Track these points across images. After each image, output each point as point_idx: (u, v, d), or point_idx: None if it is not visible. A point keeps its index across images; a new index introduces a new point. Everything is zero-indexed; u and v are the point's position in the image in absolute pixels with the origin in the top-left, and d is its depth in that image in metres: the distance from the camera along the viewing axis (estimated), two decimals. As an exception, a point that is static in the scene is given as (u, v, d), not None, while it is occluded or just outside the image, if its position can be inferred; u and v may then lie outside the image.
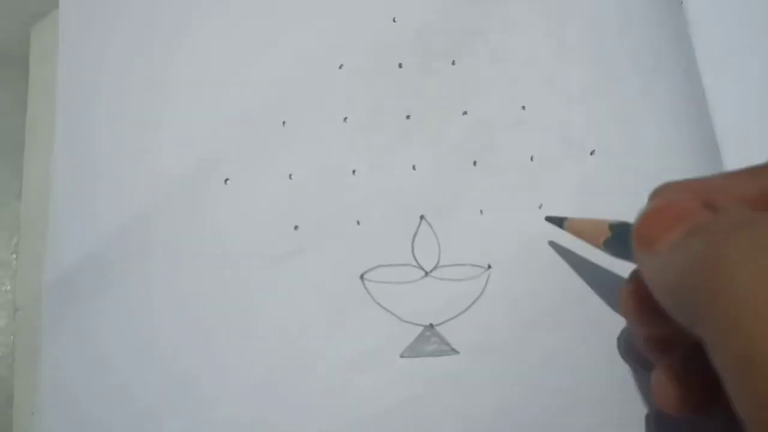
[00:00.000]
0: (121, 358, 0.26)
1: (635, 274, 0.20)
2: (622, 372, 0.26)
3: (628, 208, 0.24)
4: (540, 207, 0.27)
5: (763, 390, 0.14)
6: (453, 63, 0.29)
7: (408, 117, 0.28)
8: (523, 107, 0.28)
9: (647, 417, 0.25)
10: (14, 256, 0.29)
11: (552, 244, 0.27)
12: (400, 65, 0.29)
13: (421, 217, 0.27)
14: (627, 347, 0.25)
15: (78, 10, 0.30)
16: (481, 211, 0.27)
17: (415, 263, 0.27)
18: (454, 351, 0.26)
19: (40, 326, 0.27)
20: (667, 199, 0.19)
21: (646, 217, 0.19)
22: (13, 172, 0.29)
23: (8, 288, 0.28)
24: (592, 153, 0.28)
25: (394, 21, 0.29)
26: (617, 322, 0.26)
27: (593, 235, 0.23)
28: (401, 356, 0.26)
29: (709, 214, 0.18)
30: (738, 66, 0.30)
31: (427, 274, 0.27)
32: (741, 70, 0.30)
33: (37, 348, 0.26)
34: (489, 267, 0.27)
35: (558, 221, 0.26)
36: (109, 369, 0.26)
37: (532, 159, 0.28)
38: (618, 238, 0.22)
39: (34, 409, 0.26)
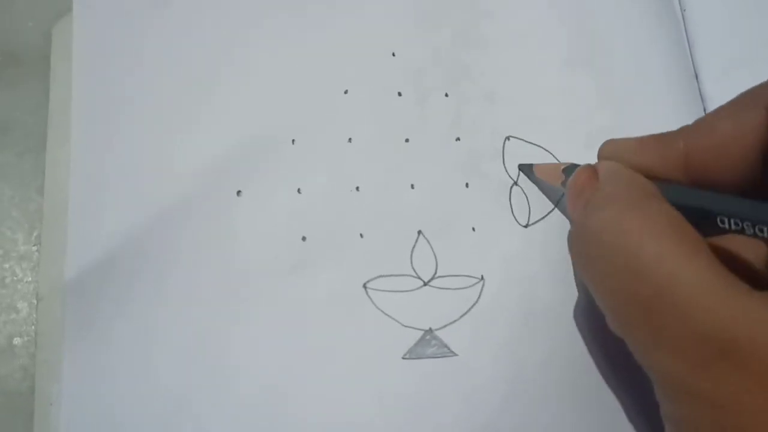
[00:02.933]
0: (140, 350, 0.27)
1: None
2: (615, 371, 0.28)
3: None
4: (526, 226, 0.30)
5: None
6: (446, 95, 0.32)
7: (407, 140, 0.31)
8: (508, 138, 0.31)
9: (641, 416, 0.28)
10: (36, 248, 0.29)
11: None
12: (400, 94, 0.31)
13: (419, 232, 0.30)
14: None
15: (93, 11, 0.31)
16: (473, 228, 0.30)
17: (414, 274, 0.29)
18: (453, 353, 0.28)
19: (61, 317, 0.27)
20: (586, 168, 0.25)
21: (572, 186, 0.25)
22: (37, 167, 0.30)
23: (30, 279, 0.29)
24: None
25: (394, 55, 0.32)
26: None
27: (555, 177, 0.28)
28: (403, 358, 0.28)
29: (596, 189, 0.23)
30: (738, 76, 0.32)
31: (425, 283, 0.29)
32: (741, 80, 0.32)
33: (58, 338, 0.27)
34: (482, 278, 0.29)
35: (528, 168, 0.30)
36: (129, 361, 0.27)
37: (516, 183, 0.31)
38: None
39: (52, 400, 0.26)
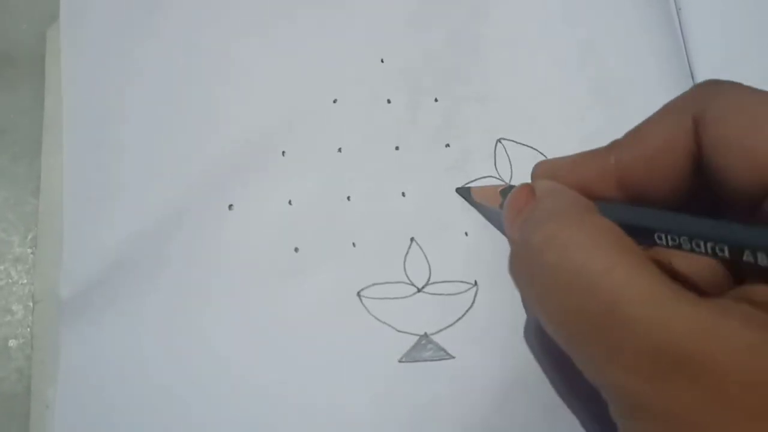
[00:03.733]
0: (134, 354, 0.28)
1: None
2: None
3: None
4: (519, 229, 0.30)
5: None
6: (436, 100, 0.32)
7: (397, 148, 0.31)
8: (500, 139, 0.31)
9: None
10: (31, 251, 0.30)
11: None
12: (389, 101, 0.31)
13: (412, 239, 0.30)
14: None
15: (81, 15, 0.31)
16: (466, 233, 0.30)
17: (407, 280, 0.29)
18: (450, 356, 0.28)
19: (56, 319, 0.28)
20: (523, 186, 0.25)
21: (508, 208, 0.25)
22: (32, 169, 0.31)
23: (25, 282, 0.29)
24: None
25: (382, 62, 0.32)
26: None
27: (493, 199, 0.28)
28: (399, 361, 0.28)
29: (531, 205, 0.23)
30: (736, 76, 0.32)
31: (419, 290, 0.29)
32: (736, 79, 0.32)
33: (54, 341, 0.27)
34: (475, 283, 0.29)
35: (466, 191, 0.30)
36: (123, 364, 0.27)
37: (510, 186, 0.31)
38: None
39: (48, 402, 0.27)
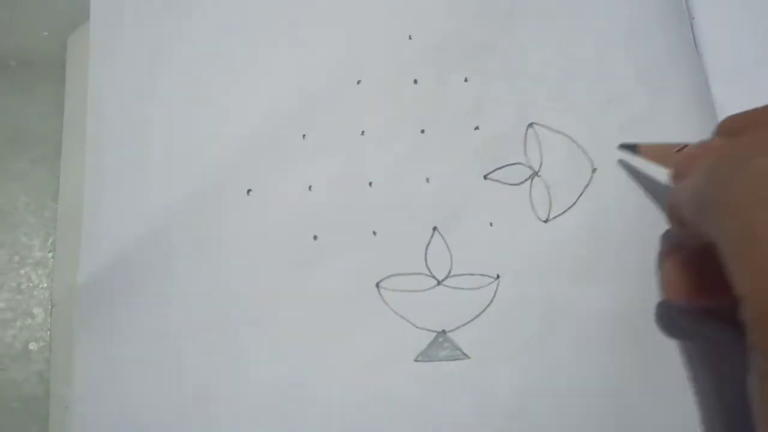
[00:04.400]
0: (152, 353, 0.28)
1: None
2: (631, 374, 0.27)
3: (632, 220, 0.26)
4: (546, 221, 0.29)
5: (760, 260, 0.17)
6: (465, 80, 0.30)
7: (422, 131, 0.30)
8: (531, 124, 0.30)
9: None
10: (51, 254, 0.30)
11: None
12: (416, 81, 0.30)
13: (434, 228, 0.29)
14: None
15: (108, 21, 0.31)
16: (490, 224, 0.29)
17: (428, 272, 0.28)
18: (466, 356, 0.27)
19: (75, 322, 0.28)
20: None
21: (683, 155, 0.23)
22: (52, 173, 0.31)
23: (45, 285, 0.30)
24: (593, 171, 0.29)
25: (410, 38, 0.30)
26: (625, 327, 0.27)
27: (663, 158, 0.26)
28: (416, 360, 0.28)
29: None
30: (748, 80, 0.31)
31: (439, 282, 0.28)
32: (751, 83, 0.31)
33: (72, 343, 0.28)
34: (498, 277, 0.28)
35: (632, 147, 0.28)
36: (142, 364, 0.28)
37: (538, 173, 0.29)
38: None
39: (67, 403, 0.27)
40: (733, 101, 0.30)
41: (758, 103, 0.28)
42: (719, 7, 0.32)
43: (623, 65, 0.30)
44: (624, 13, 0.31)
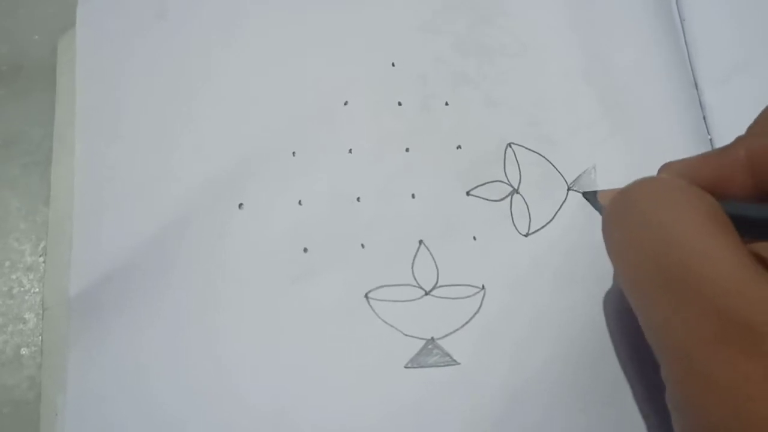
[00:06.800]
0: (142, 360, 0.28)
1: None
2: (618, 377, 0.28)
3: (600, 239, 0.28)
4: (526, 235, 0.30)
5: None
6: (446, 104, 0.32)
7: (407, 150, 0.31)
8: (510, 144, 0.32)
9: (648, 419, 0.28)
10: (42, 259, 0.30)
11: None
12: (400, 103, 0.32)
13: (420, 242, 0.30)
14: None
15: (96, 25, 0.32)
16: (474, 237, 0.30)
17: (415, 283, 0.29)
18: (455, 362, 0.28)
19: (66, 327, 0.28)
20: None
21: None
22: (43, 179, 0.31)
23: (37, 290, 0.29)
24: (569, 189, 0.31)
25: (393, 65, 0.32)
26: (611, 331, 0.29)
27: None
28: (405, 367, 0.28)
29: None
30: (738, 83, 0.32)
31: (426, 293, 0.29)
32: (741, 87, 0.32)
33: (63, 349, 0.27)
34: (483, 287, 0.29)
35: (592, 195, 0.30)
36: (132, 371, 0.27)
37: (518, 191, 0.31)
38: None
39: (58, 410, 0.27)
40: (723, 107, 0.31)
41: (747, 111, 0.30)
42: (709, 13, 0.33)
43: (592, 93, 0.32)
44: (596, 43, 0.33)
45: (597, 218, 0.30)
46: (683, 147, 0.31)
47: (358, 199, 0.30)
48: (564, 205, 0.31)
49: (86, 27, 0.32)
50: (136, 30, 0.32)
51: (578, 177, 0.31)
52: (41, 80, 0.32)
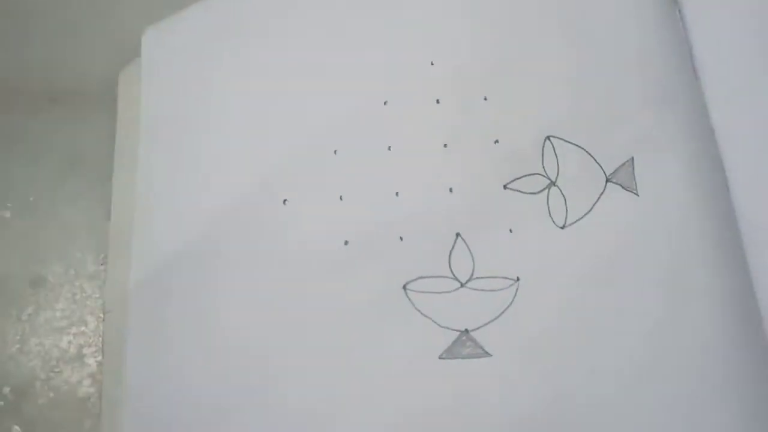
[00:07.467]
0: (193, 358, 0.30)
1: None
2: (652, 371, 0.28)
3: (646, 227, 0.29)
4: (562, 227, 0.31)
5: None
6: (485, 99, 0.32)
7: (445, 146, 0.32)
8: (548, 137, 0.32)
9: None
10: (103, 267, 0.33)
11: None
12: (438, 101, 0.32)
13: (457, 235, 0.31)
14: None
15: (159, 57, 0.35)
16: (510, 230, 0.31)
17: (451, 275, 0.30)
18: (487, 354, 0.29)
19: (124, 329, 0.31)
20: None
21: None
22: (104, 195, 0.34)
23: (98, 296, 0.33)
24: (608, 181, 0.31)
25: (432, 64, 0.33)
26: (648, 325, 0.29)
27: None
28: (440, 358, 0.29)
29: None
30: (748, 102, 0.32)
31: (462, 285, 0.30)
32: (751, 106, 0.32)
33: (122, 348, 0.30)
34: (518, 279, 0.30)
35: None
36: (185, 367, 0.30)
37: (555, 183, 0.31)
38: None
39: (118, 404, 0.30)
40: (732, 126, 0.31)
41: (758, 129, 0.29)
42: (716, 28, 0.33)
43: (621, 83, 0.32)
44: (632, 37, 0.33)
45: (634, 210, 0.30)
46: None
47: (396, 194, 0.31)
48: (602, 196, 0.31)
49: (150, 58, 0.35)
50: (195, 57, 0.35)
51: (617, 169, 0.31)
52: (102, 106, 0.35)
